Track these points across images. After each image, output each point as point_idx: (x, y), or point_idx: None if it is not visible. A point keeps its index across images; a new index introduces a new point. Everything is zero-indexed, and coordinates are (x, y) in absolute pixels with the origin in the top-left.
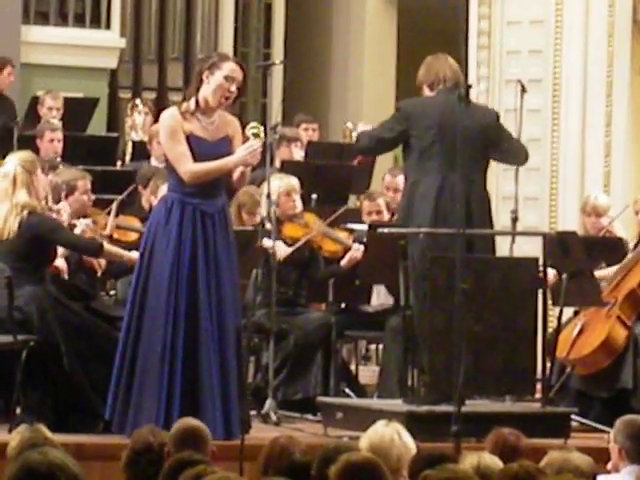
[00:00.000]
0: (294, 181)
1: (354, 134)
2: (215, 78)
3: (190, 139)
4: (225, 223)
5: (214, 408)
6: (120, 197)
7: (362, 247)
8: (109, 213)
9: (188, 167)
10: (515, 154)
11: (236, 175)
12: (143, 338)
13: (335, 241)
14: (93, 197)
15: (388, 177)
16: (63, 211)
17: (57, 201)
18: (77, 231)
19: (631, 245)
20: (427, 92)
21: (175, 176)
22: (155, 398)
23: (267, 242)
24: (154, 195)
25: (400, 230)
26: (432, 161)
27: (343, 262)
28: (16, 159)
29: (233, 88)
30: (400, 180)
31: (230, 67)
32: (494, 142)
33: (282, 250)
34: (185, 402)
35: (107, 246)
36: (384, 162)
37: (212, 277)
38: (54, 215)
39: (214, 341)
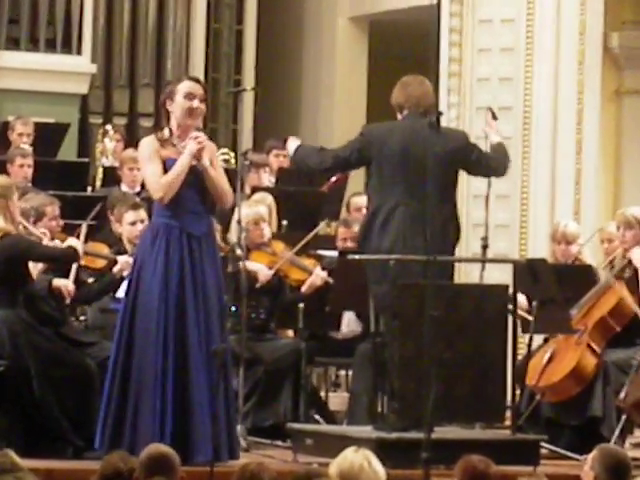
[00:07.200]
0: (262, 210)
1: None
2: (177, 102)
3: (167, 163)
4: (212, 245)
5: (205, 430)
6: (85, 221)
7: (323, 273)
8: (78, 238)
9: (156, 183)
10: (487, 164)
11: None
12: (134, 363)
13: (301, 270)
14: (62, 222)
15: (356, 198)
16: (44, 236)
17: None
18: None
19: (600, 273)
20: (398, 114)
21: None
22: (150, 422)
23: (250, 265)
24: (119, 222)
25: (370, 257)
26: (392, 188)
27: (303, 288)
28: None
29: (196, 103)
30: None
31: (186, 85)
32: (463, 163)
33: (264, 274)
34: (176, 425)
35: (85, 247)
36: (355, 187)
37: (200, 300)
38: (35, 238)
39: (203, 364)
